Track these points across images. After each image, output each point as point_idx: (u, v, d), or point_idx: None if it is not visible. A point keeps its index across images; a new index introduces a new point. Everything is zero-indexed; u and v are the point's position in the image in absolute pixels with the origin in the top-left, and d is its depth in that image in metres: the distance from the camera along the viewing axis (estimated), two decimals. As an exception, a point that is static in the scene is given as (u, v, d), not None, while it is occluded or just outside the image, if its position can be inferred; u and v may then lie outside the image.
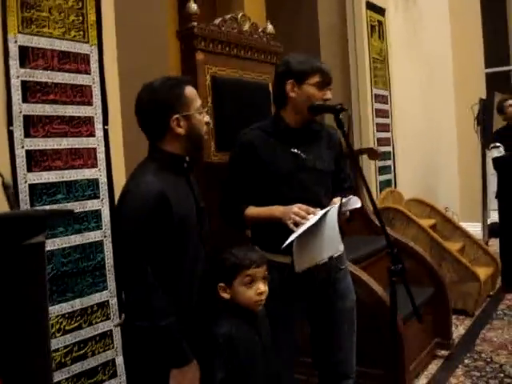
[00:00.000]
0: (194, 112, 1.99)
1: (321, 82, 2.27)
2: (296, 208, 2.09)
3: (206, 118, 2.05)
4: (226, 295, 2.01)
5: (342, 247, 2.03)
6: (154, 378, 1.92)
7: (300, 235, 2.05)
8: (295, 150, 2.27)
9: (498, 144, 5.23)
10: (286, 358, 2.39)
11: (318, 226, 2.06)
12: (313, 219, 2.02)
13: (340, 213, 2.06)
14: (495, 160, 5.30)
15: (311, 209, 2.08)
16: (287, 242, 2.03)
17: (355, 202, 2.11)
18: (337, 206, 2.04)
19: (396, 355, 2.76)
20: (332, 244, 2.04)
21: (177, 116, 1.94)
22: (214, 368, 1.92)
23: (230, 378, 1.94)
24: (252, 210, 2.31)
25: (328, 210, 2.05)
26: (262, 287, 2.01)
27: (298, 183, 2.25)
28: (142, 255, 1.83)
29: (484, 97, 6.92)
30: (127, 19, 2.78)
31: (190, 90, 2.00)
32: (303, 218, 2.05)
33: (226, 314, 2.02)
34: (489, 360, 3.78)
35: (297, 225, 2.04)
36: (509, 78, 9.53)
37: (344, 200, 2.04)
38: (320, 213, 2.04)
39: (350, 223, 2.36)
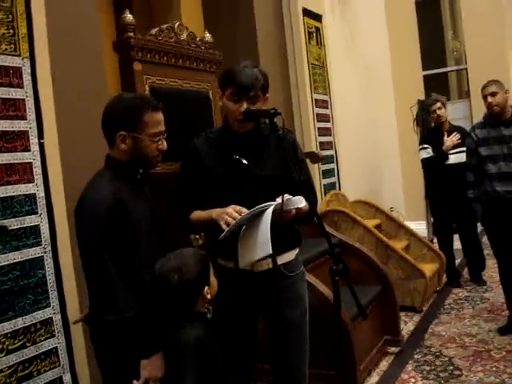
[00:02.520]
0: (145, 137, 2.04)
1: (234, 94, 2.21)
2: (229, 209, 2.09)
3: (162, 146, 2.10)
4: (209, 296, 2.04)
5: (269, 249, 1.99)
6: (124, 371, 1.96)
7: (243, 232, 2.10)
8: (237, 157, 2.27)
9: (426, 145, 5.40)
10: (242, 362, 2.42)
11: (256, 224, 2.06)
12: (243, 215, 2.04)
13: (282, 211, 2.04)
14: (424, 161, 5.47)
15: (244, 209, 2.08)
16: (220, 237, 2.06)
17: (298, 201, 2.08)
18: (272, 206, 2.03)
19: (344, 354, 2.80)
20: (263, 246, 2.02)
21: (123, 133, 2.02)
22: (183, 374, 1.89)
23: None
24: (195, 214, 2.32)
25: (264, 209, 2.04)
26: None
27: (238, 189, 2.25)
28: (103, 253, 1.90)
29: (422, 98, 7.11)
30: (60, 31, 2.73)
31: (150, 116, 2.06)
32: (235, 218, 2.05)
33: (189, 319, 2.01)
34: (438, 354, 3.87)
35: (229, 225, 2.05)
36: (446, 79, 9.85)
37: (285, 199, 2.02)
38: (251, 210, 2.04)
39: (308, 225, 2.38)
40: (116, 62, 3.46)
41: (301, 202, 2.08)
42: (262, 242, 2.01)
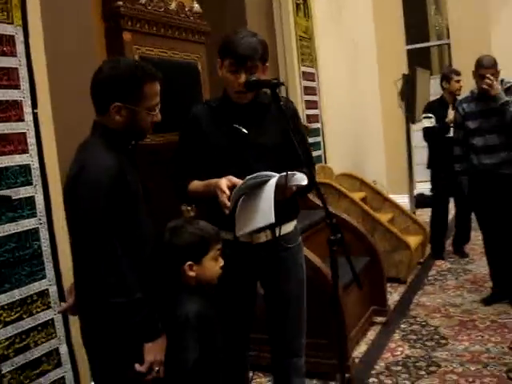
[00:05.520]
0: (142, 110, 1.90)
1: (232, 65, 2.18)
2: (224, 186, 2.05)
3: (157, 118, 1.96)
4: (192, 273, 1.96)
5: (272, 218, 1.97)
6: (124, 358, 1.85)
7: (241, 201, 2.07)
8: (236, 126, 2.24)
9: (430, 115, 5.34)
10: (240, 334, 2.46)
11: (257, 194, 2.04)
12: (242, 184, 2.02)
13: (285, 187, 2.03)
14: (426, 130, 5.41)
15: (239, 180, 2.06)
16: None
17: (301, 179, 2.07)
18: (276, 178, 2.02)
19: (338, 324, 2.83)
20: (265, 214, 2.00)
21: (119, 104, 1.86)
22: (185, 348, 1.88)
23: (200, 357, 1.91)
24: (193, 185, 2.30)
25: (266, 179, 2.03)
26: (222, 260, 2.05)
27: (238, 159, 2.23)
28: (108, 229, 1.77)
29: (406, 72, 7.12)
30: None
31: (151, 88, 1.90)
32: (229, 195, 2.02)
33: (186, 293, 1.97)
34: (424, 323, 3.96)
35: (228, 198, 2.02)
36: (429, 54, 9.86)
37: (290, 174, 2.00)
38: (251, 176, 2.02)
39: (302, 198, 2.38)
40: (105, 31, 3.40)
41: (303, 180, 2.07)
42: (264, 211, 1.99)
